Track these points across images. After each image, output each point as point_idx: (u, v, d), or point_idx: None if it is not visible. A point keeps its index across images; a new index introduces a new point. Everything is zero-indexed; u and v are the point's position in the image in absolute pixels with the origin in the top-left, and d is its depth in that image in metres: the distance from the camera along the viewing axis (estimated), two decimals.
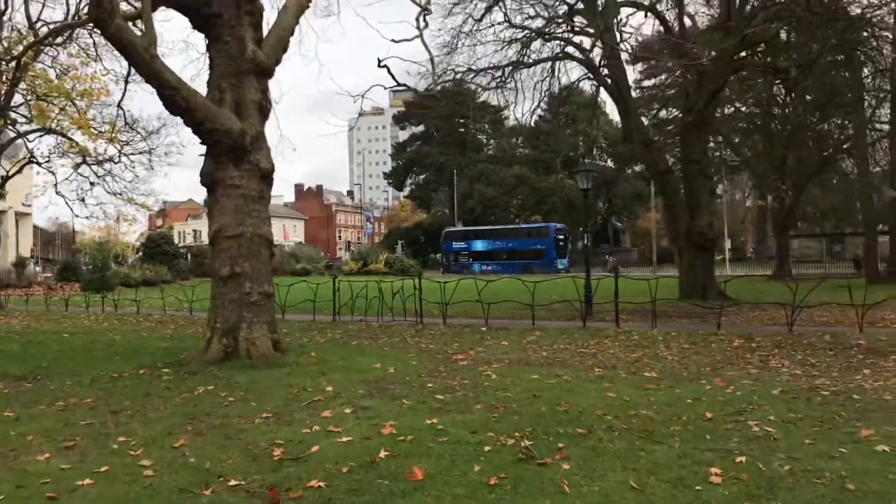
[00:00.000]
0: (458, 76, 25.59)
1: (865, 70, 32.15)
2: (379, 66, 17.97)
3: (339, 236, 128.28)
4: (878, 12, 20.92)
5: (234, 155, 12.29)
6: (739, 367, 11.25)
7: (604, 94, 29.77)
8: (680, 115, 64.08)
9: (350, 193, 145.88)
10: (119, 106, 20.43)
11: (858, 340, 13.38)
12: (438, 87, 23.55)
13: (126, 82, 17.64)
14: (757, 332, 15.29)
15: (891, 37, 23.59)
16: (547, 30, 25.96)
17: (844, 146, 39.32)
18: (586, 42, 26.13)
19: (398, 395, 9.43)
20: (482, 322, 18.48)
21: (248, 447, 7.00)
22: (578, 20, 26.23)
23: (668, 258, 75.22)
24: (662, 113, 64.70)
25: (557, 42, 26.09)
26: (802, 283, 30.89)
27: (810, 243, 75.70)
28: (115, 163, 29.10)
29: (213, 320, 12.29)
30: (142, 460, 6.57)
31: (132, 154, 28.56)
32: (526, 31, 25.85)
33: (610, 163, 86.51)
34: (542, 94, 26.61)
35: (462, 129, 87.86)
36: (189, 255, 58.00)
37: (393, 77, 18.49)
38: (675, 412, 8.04)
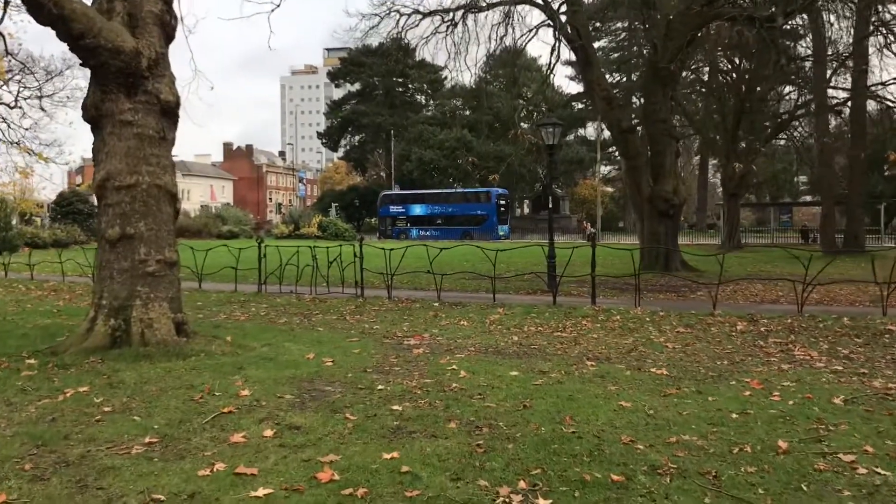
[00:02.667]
0: (405, 17, 22.81)
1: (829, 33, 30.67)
2: None
3: (270, 198, 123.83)
4: None
5: (127, 82, 9.46)
6: (762, 361, 9.11)
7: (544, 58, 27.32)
8: (624, 79, 62.41)
9: (282, 154, 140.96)
10: None
11: (888, 326, 11.41)
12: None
13: (6, 2, 14.36)
14: (755, 311, 13.22)
15: None
16: None
17: (798, 112, 37.96)
18: None
19: (339, 403, 6.95)
20: (433, 295, 16.05)
21: None
22: None
23: (608, 226, 74.14)
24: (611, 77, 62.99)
25: None
26: (754, 253, 29.44)
27: (745, 212, 75.47)
28: (11, 107, 25.41)
29: (99, 295, 9.54)
30: None
31: (29, 98, 24.90)
32: None
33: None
34: (498, 42, 24.03)
35: (400, 89, 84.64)
36: None
37: None
38: (729, 437, 5.79)
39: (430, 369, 8.59)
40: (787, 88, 41.32)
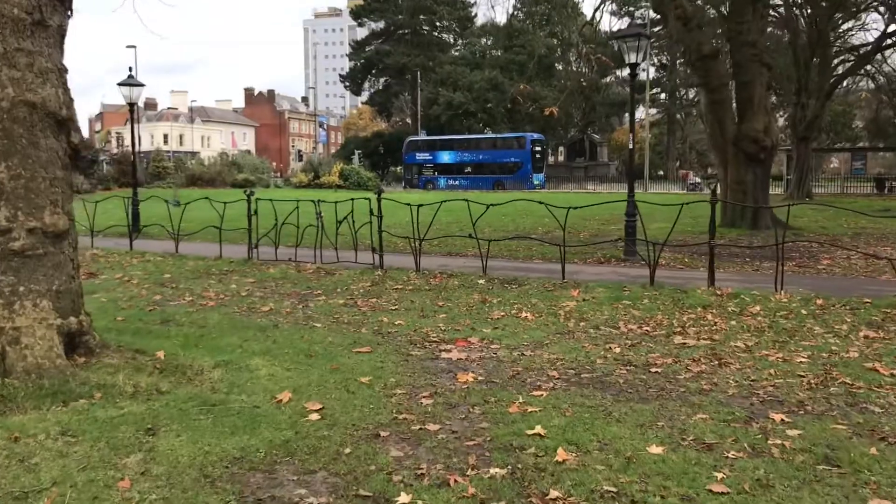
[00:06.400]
0: None
1: None
2: None
3: (293, 145, 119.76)
4: None
5: None
6: None
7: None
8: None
9: (305, 100, 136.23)
10: None
11: None
12: None
13: None
14: None
15: None
16: None
17: (886, 43, 32.97)
18: None
19: None
20: (474, 266, 12.08)
21: None
22: None
23: (650, 174, 69.10)
24: None
25: None
26: (829, 205, 25.04)
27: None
28: None
29: None
30: None
31: None
32: None
33: (586, 70, 79.33)
34: None
35: (427, 27, 79.48)
36: (113, 162, 50.18)
37: None
38: None
39: (495, 433, 4.70)
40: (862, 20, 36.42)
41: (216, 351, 6.74)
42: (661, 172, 79.93)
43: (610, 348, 6.97)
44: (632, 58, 12.92)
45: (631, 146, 13.14)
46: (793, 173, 36.54)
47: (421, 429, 4.80)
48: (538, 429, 4.71)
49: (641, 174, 60.78)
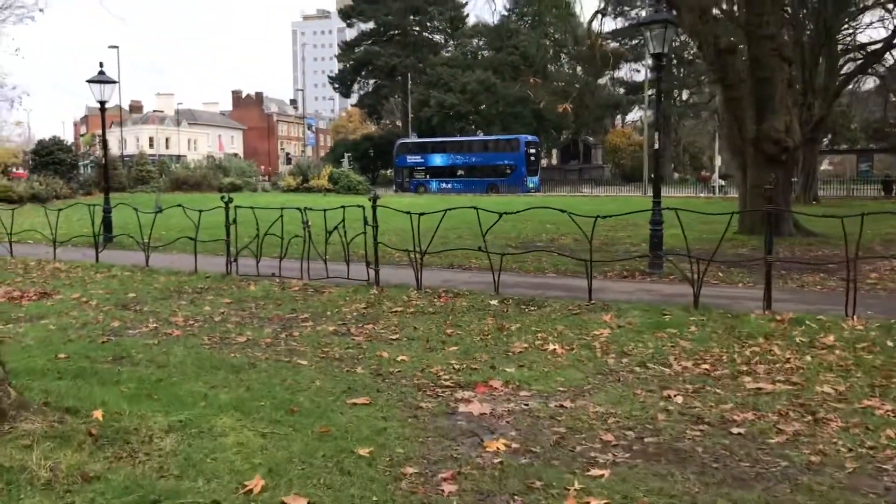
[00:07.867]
0: None
1: None
2: None
3: (282, 148, 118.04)
4: None
5: None
6: None
7: None
8: None
9: (293, 102, 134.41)
10: None
11: None
12: None
13: None
14: None
15: None
16: None
17: None
18: None
19: None
20: (482, 281, 10.67)
21: None
22: None
23: (641, 176, 67.78)
24: None
25: None
26: (836, 208, 23.78)
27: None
28: None
29: None
30: None
31: None
32: None
33: (579, 71, 78.17)
34: None
35: (417, 28, 78.06)
36: (95, 166, 48.54)
37: None
38: None
39: None
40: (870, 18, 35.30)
41: (174, 403, 5.31)
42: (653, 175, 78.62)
43: (669, 396, 5.58)
44: (656, 47, 11.55)
45: (657, 146, 11.78)
46: (799, 176, 35.33)
47: None
48: None
49: (640, 177, 59.29)
